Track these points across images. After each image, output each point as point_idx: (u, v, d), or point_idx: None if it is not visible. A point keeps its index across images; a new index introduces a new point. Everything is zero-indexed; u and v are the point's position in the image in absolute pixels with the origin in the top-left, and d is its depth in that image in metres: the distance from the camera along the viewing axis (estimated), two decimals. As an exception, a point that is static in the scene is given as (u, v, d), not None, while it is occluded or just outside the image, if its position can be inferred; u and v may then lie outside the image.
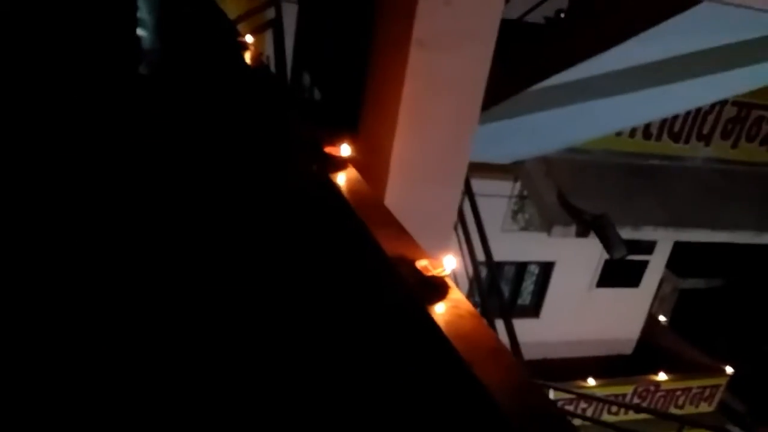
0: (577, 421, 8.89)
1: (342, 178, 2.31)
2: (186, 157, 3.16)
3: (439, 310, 1.43)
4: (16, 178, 2.73)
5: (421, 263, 1.56)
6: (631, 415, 9.64)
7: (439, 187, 2.82)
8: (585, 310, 10.15)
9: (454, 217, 3.06)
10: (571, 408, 9.13)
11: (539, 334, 9.27)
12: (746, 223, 8.53)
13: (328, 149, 2.43)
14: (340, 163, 2.39)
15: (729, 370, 10.32)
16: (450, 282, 1.52)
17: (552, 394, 7.91)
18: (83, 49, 4.03)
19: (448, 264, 1.54)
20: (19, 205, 2.56)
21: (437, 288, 1.50)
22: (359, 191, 2.15)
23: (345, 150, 2.40)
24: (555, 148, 6.87)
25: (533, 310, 9.94)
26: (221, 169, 2.97)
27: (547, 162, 7.87)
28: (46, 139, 3.08)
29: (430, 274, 1.52)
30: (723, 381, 10.35)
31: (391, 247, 1.69)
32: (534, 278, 9.78)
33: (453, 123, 2.75)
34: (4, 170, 2.74)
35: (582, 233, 7.60)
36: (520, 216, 9.13)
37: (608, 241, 7.17)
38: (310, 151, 2.51)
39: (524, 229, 9.12)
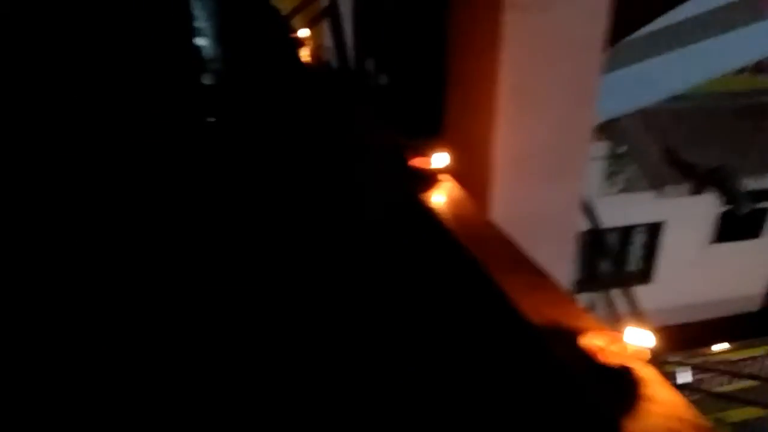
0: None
1: (439, 198, 1.83)
2: (246, 174, 2.76)
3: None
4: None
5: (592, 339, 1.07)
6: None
7: (558, 183, 2.28)
8: (702, 270, 9.26)
9: (579, 216, 2.51)
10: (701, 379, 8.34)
11: (653, 301, 8.51)
12: None
13: (416, 161, 1.95)
14: (433, 179, 1.91)
15: None
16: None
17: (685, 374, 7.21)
18: (142, 64, 3.70)
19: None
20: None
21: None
22: (466, 216, 1.67)
23: (439, 160, 1.92)
24: (658, 98, 6.08)
25: (643, 275, 9.14)
26: (280, 191, 2.55)
27: (645, 115, 7.05)
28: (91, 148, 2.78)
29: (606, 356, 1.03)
30: None
31: (534, 304, 1.21)
32: (642, 242, 8.96)
33: (568, 99, 2.19)
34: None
35: (697, 190, 6.78)
36: (618, 177, 8.33)
37: (731, 195, 6.34)
38: (391, 166, 2.05)
39: (624, 190, 8.31)
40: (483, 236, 1.58)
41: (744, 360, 8.80)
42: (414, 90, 3.40)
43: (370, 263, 1.95)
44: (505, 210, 2.18)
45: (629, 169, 8.11)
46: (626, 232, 8.92)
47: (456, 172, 1.93)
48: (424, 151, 1.94)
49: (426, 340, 1.65)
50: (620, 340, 1.02)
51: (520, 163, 2.19)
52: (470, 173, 2.01)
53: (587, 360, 1.03)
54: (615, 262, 8.96)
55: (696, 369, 8.19)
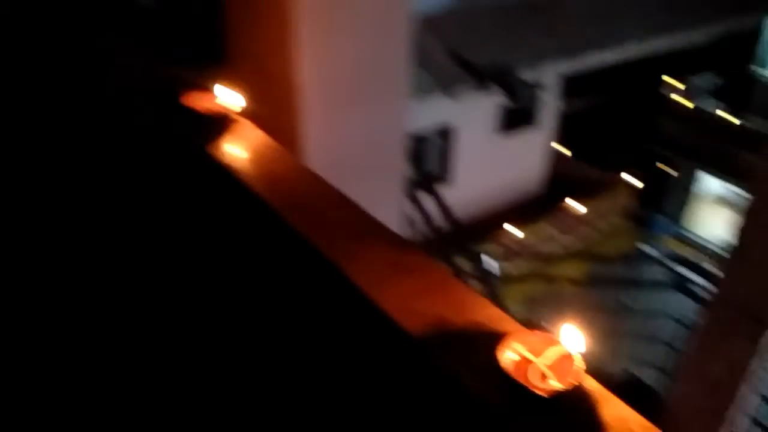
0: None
1: (236, 149, 1.38)
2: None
3: None
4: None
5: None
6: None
7: (378, 107, 1.94)
8: (492, 161, 9.84)
9: (404, 142, 2.20)
10: (505, 263, 9.06)
11: (453, 198, 8.89)
12: (634, 35, 8.23)
13: (198, 101, 1.46)
14: (223, 123, 1.44)
15: (634, 181, 10.59)
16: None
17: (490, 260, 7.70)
18: None
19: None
20: None
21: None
22: (278, 171, 1.25)
23: (228, 97, 1.45)
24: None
25: (443, 176, 9.48)
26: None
27: (426, 19, 6.97)
28: None
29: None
30: (630, 192, 10.65)
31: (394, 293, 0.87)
32: (436, 144, 9.21)
33: (379, 8, 1.81)
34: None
35: (482, 87, 6.96)
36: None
37: (512, 89, 6.60)
38: (163, 108, 1.54)
39: (413, 95, 8.34)
40: (305, 195, 1.19)
41: (532, 239, 9.71)
42: (186, 10, 2.76)
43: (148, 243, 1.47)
44: (320, 147, 1.80)
45: (415, 75, 8.09)
46: (420, 136, 9.08)
47: (252, 109, 1.48)
48: (206, 87, 1.45)
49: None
50: (545, 345, 0.72)
51: (330, 89, 1.79)
52: (271, 108, 1.57)
53: (506, 385, 0.71)
54: (416, 166, 9.13)
55: (495, 255, 8.85)
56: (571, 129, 14.42)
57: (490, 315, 0.85)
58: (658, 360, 5.21)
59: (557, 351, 0.74)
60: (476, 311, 0.86)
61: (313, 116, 1.85)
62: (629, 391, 5.92)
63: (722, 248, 12.92)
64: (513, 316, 0.86)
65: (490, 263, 7.74)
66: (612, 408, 0.73)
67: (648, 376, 5.40)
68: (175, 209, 1.54)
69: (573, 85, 10.60)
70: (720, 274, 4.76)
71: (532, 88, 7.13)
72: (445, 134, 9.27)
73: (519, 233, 9.32)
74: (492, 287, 4.68)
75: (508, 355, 0.74)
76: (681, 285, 5.43)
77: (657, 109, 13.65)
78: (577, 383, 0.70)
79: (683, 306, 5.05)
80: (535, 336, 0.77)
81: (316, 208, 1.10)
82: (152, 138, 1.53)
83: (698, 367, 4.77)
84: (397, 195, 2.15)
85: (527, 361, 0.74)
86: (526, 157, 10.37)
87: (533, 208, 10.19)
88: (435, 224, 4.36)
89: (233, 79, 1.53)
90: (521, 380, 0.71)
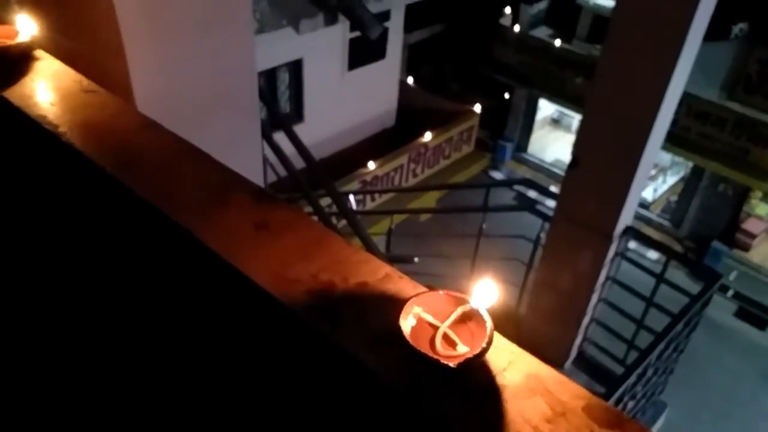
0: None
1: (42, 94, 1.11)
2: None
3: None
4: None
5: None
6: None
7: (218, 32, 1.68)
8: (343, 98, 9.70)
9: (254, 77, 1.95)
10: (361, 201, 9.10)
11: (308, 137, 8.65)
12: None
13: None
14: (16, 59, 1.15)
15: (479, 109, 10.97)
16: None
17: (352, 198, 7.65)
18: None
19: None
20: None
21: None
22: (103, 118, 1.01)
23: (22, 28, 1.15)
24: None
25: (296, 115, 9.19)
26: None
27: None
28: None
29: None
30: (476, 120, 11.04)
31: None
32: (286, 82, 8.85)
33: None
34: None
35: (330, 21, 6.69)
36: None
37: (361, 21, 6.40)
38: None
39: (260, 31, 7.88)
40: (139, 148, 0.97)
41: (389, 173, 9.82)
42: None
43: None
44: (151, 89, 1.53)
45: (261, 7, 7.63)
46: (271, 74, 8.68)
47: (50, 39, 1.20)
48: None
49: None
50: (451, 306, 0.61)
51: (157, 11, 1.51)
52: (77, 38, 1.29)
53: (409, 356, 0.59)
54: (267, 106, 8.73)
55: (356, 193, 8.86)
56: (416, 59, 14.61)
57: (379, 274, 0.73)
58: (515, 278, 5.51)
59: (465, 311, 0.64)
60: (364, 272, 0.73)
61: (138, 49, 1.56)
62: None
63: (561, 169, 14.01)
64: (379, 253, 0.74)
65: (351, 200, 7.71)
66: (526, 366, 0.65)
67: (508, 293, 5.71)
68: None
69: (414, 15, 10.62)
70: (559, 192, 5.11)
71: (380, 20, 6.98)
72: (295, 70, 8.92)
73: (375, 168, 9.36)
74: (356, 225, 4.65)
75: (408, 322, 0.62)
76: (531, 207, 5.72)
77: (495, 38, 14.18)
78: (487, 345, 0.61)
79: (533, 226, 5.33)
80: (438, 296, 0.66)
81: (156, 164, 0.90)
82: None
83: (549, 281, 5.13)
84: (253, 139, 1.94)
85: (432, 327, 0.62)
86: (377, 91, 10.33)
87: (387, 141, 10.26)
88: (292, 166, 4.18)
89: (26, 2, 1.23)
90: (426, 350, 0.60)
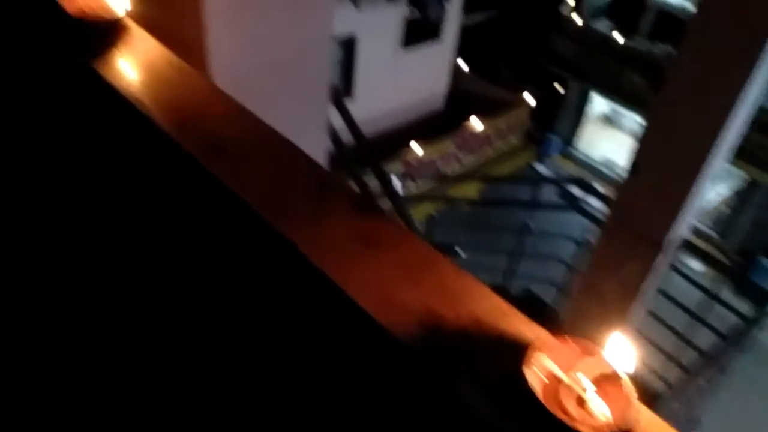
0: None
1: (131, 69, 1.06)
2: None
3: None
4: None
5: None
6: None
7: (300, 10, 1.62)
8: (394, 77, 9.56)
9: (330, 50, 1.89)
10: (407, 182, 9.03)
11: (355, 113, 8.56)
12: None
13: (78, 6, 1.11)
14: (107, 31, 1.11)
15: (530, 100, 10.74)
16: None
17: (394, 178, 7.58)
18: None
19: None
20: None
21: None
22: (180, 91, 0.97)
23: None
24: None
25: (345, 91, 9.10)
26: None
27: None
28: None
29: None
30: (527, 112, 10.82)
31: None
32: (338, 57, 8.76)
33: None
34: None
35: (390, -2, 6.59)
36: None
37: (421, 1, 6.27)
38: (32, 11, 1.18)
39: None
40: (227, 132, 0.92)
41: (433, 157, 9.71)
42: None
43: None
44: (231, 61, 1.48)
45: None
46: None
47: (141, 12, 1.15)
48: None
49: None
50: (578, 358, 0.54)
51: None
52: (164, 10, 1.24)
53: (532, 411, 0.53)
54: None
55: (403, 176, 8.79)
56: (469, 43, 14.36)
57: (490, 305, 0.66)
58: (557, 279, 5.41)
59: (598, 367, 0.57)
60: (474, 301, 0.67)
61: (220, 20, 1.51)
62: (528, 308, 6.18)
63: (611, 169, 13.67)
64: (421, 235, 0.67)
65: (396, 182, 7.65)
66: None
67: (547, 294, 5.62)
68: (56, 133, 1.20)
69: (471, -1, 10.39)
70: (612, 195, 4.95)
71: (440, 1, 6.83)
72: (348, 46, 8.83)
73: (421, 151, 9.26)
74: (400, 207, 4.60)
75: (532, 372, 0.56)
76: (576, 205, 5.58)
77: (552, 26, 13.80)
78: (627, 412, 0.54)
79: (577, 225, 5.20)
80: (565, 344, 0.59)
81: (250, 158, 0.85)
82: (21, 48, 1.16)
83: (592, 285, 5.01)
84: (325, 114, 1.89)
85: (556, 380, 0.56)
86: (429, 73, 10.17)
87: (434, 125, 10.12)
88: (341, 141, 4.12)
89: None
90: (556, 410, 0.53)
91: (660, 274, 4.52)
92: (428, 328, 0.63)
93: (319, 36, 1.78)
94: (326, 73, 1.82)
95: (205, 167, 0.81)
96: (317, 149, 1.85)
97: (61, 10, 1.09)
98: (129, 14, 1.11)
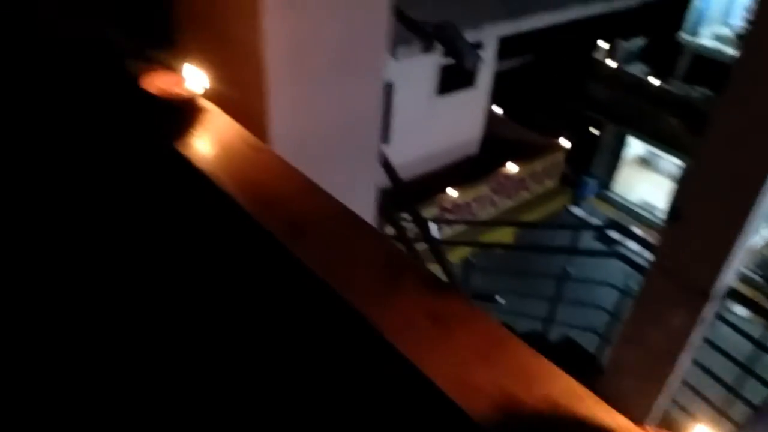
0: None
1: (205, 143, 1.13)
2: None
3: None
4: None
5: None
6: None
7: (354, 79, 1.70)
8: (430, 123, 9.70)
9: (379, 119, 1.98)
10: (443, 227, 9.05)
11: (392, 158, 8.66)
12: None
13: (156, 82, 1.19)
14: (188, 109, 1.18)
15: (565, 143, 10.73)
16: None
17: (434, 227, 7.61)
18: None
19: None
20: None
21: None
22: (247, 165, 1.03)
23: (191, 78, 1.18)
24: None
25: (382, 136, 9.23)
26: None
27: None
28: None
29: None
30: (562, 156, 10.81)
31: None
32: (376, 104, 8.92)
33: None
34: None
35: (427, 48, 6.73)
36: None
37: (458, 50, 6.38)
38: (122, 93, 1.27)
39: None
40: (298, 206, 0.97)
41: (468, 201, 9.73)
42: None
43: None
44: (289, 129, 1.55)
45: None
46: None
47: (215, 89, 1.22)
48: (165, 64, 1.18)
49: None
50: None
51: (302, 61, 1.53)
52: (233, 85, 1.32)
53: None
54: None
55: (437, 221, 8.82)
56: (503, 88, 14.49)
57: (565, 388, 0.68)
58: (597, 326, 5.31)
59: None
60: (549, 385, 0.69)
61: (282, 94, 1.59)
62: (567, 355, 6.06)
63: (649, 211, 13.48)
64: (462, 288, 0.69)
65: (432, 226, 7.67)
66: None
67: (587, 341, 5.52)
68: (138, 204, 1.27)
69: (505, 44, 10.53)
70: (652, 239, 4.87)
71: (476, 49, 6.96)
72: (385, 93, 9.01)
73: (456, 195, 9.31)
74: (438, 251, 4.61)
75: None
76: (616, 252, 5.51)
77: (586, 71, 13.87)
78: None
79: (616, 270, 5.12)
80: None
81: (324, 235, 0.89)
82: (110, 126, 1.25)
83: (636, 335, 4.89)
84: (374, 176, 1.95)
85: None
86: (464, 118, 10.29)
87: (470, 169, 10.17)
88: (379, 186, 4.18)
89: (186, 49, 1.27)
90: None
91: (707, 324, 4.41)
92: (505, 411, 0.65)
93: (372, 101, 1.85)
94: (377, 134, 1.89)
95: (285, 246, 0.85)
96: (367, 208, 1.90)
97: (142, 90, 1.17)
98: (206, 92, 1.19)
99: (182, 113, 1.16)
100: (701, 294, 4.29)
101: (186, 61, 1.21)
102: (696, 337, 4.46)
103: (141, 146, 1.18)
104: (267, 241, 0.88)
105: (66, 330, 1.36)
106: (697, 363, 4.60)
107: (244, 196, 0.96)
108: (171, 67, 1.22)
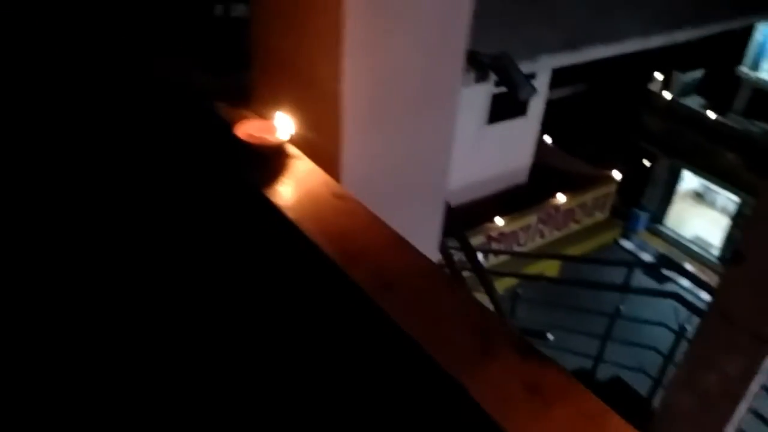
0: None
1: (290, 190, 1.17)
2: None
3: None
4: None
5: None
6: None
7: (427, 119, 1.72)
8: (479, 150, 9.68)
9: (449, 156, 1.99)
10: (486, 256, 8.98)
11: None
12: (633, 30, 8.10)
13: (246, 130, 1.24)
14: (277, 156, 1.23)
15: (617, 175, 10.56)
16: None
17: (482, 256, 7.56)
18: None
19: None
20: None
21: None
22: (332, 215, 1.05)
23: (281, 126, 1.23)
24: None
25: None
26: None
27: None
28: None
29: None
30: (613, 188, 10.62)
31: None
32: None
33: (435, 10, 1.58)
34: None
35: (481, 78, 6.75)
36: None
37: (513, 82, 6.40)
38: (215, 140, 1.32)
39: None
40: (384, 259, 0.99)
41: (515, 231, 9.63)
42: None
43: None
44: (361, 166, 1.58)
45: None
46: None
47: (299, 133, 1.26)
48: (244, 109, 1.23)
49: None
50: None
51: (379, 100, 1.56)
52: (313, 125, 1.35)
53: None
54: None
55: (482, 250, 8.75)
56: (554, 117, 14.35)
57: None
58: (649, 367, 5.17)
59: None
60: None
61: (357, 136, 1.62)
62: (617, 396, 5.90)
63: (702, 247, 13.09)
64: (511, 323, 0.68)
65: (480, 256, 7.62)
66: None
67: (637, 382, 5.36)
68: (224, 248, 1.32)
69: (557, 73, 10.46)
70: (706, 278, 4.73)
71: (530, 80, 6.96)
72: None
73: (503, 224, 9.23)
74: (486, 282, 4.58)
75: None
76: (678, 296, 5.36)
77: (640, 102, 13.65)
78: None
79: (668, 308, 4.98)
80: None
81: (414, 292, 0.91)
82: (201, 168, 1.31)
83: (691, 380, 4.73)
84: (441, 213, 1.96)
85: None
86: (513, 147, 10.24)
87: (518, 198, 10.09)
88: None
89: (268, 93, 1.31)
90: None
91: (766, 372, 4.24)
92: None
93: (445, 136, 1.87)
94: (447, 170, 1.90)
95: (375, 301, 0.87)
96: (431, 243, 1.92)
97: (233, 135, 1.22)
98: (292, 137, 1.23)
99: (271, 160, 1.20)
100: (762, 341, 4.13)
101: (269, 105, 1.25)
102: (755, 384, 4.28)
103: (230, 190, 1.23)
104: (353, 293, 0.90)
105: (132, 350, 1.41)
106: (753, 411, 4.41)
107: (330, 246, 0.99)
108: (258, 113, 1.26)
